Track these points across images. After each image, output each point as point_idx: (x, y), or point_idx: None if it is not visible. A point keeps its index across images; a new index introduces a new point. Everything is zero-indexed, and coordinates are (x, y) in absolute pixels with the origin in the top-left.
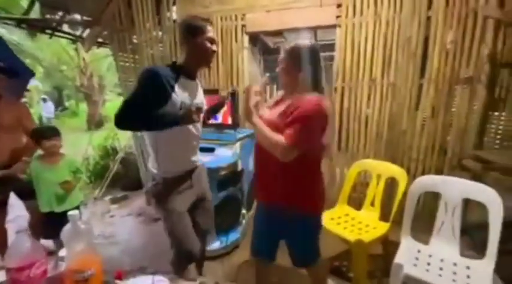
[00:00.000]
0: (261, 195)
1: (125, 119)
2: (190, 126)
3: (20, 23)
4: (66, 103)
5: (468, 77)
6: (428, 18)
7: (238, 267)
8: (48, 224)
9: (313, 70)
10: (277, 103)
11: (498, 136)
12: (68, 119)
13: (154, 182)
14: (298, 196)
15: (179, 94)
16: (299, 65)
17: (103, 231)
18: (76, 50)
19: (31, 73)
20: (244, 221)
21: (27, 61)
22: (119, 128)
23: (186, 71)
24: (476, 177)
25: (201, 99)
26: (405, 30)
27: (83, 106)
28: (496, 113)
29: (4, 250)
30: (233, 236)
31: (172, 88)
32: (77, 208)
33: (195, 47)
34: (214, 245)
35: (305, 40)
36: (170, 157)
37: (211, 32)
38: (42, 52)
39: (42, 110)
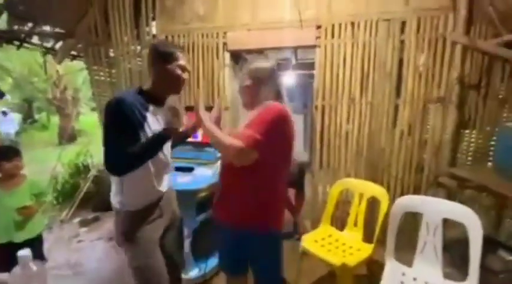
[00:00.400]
0: (220, 214)
1: (118, 165)
2: (159, 153)
3: None
4: (36, 116)
5: (440, 97)
6: (402, 42)
7: None
8: (6, 257)
9: (274, 86)
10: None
11: (470, 153)
12: (38, 132)
13: (119, 218)
14: (257, 214)
15: (151, 124)
16: (259, 83)
17: (68, 259)
18: (44, 62)
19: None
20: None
21: None
22: (119, 175)
23: (154, 98)
24: (452, 194)
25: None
26: (381, 53)
27: (54, 120)
28: (467, 131)
29: None
30: (212, 262)
31: (144, 118)
32: (39, 235)
33: (166, 74)
34: (192, 273)
35: (264, 61)
36: (137, 189)
37: (183, 59)
38: (12, 63)
39: (0, 125)
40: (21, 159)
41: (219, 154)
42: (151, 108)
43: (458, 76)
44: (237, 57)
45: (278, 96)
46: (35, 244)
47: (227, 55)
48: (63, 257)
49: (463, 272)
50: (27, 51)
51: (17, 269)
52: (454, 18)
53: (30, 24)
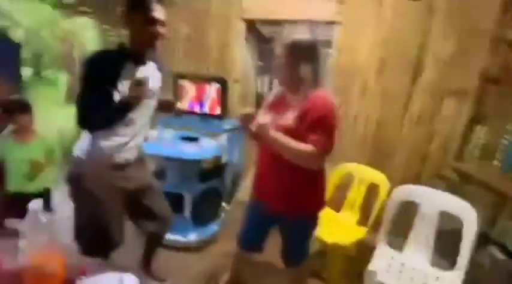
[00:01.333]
0: (261, 195)
1: (83, 121)
2: (144, 120)
3: None
4: (44, 72)
5: (458, 89)
6: (429, 27)
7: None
8: (16, 205)
9: (315, 65)
10: (278, 102)
11: (477, 149)
12: (44, 90)
13: (75, 165)
14: (298, 198)
15: (125, 84)
16: (300, 60)
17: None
18: (62, 16)
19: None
20: (223, 214)
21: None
22: (84, 129)
23: (132, 54)
24: (452, 188)
25: (153, 85)
26: (404, 36)
27: (63, 78)
28: (479, 126)
29: None
30: (211, 229)
31: (118, 76)
32: (48, 190)
33: (136, 28)
34: (191, 237)
35: (304, 34)
36: (105, 141)
37: (156, 11)
38: (20, 15)
39: None
40: (32, 113)
41: (225, 126)
42: (128, 65)
43: (482, 69)
44: (252, 27)
45: (318, 75)
46: (44, 196)
47: (241, 24)
48: (70, 210)
49: (451, 263)
50: (37, 4)
51: (27, 220)
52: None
53: None
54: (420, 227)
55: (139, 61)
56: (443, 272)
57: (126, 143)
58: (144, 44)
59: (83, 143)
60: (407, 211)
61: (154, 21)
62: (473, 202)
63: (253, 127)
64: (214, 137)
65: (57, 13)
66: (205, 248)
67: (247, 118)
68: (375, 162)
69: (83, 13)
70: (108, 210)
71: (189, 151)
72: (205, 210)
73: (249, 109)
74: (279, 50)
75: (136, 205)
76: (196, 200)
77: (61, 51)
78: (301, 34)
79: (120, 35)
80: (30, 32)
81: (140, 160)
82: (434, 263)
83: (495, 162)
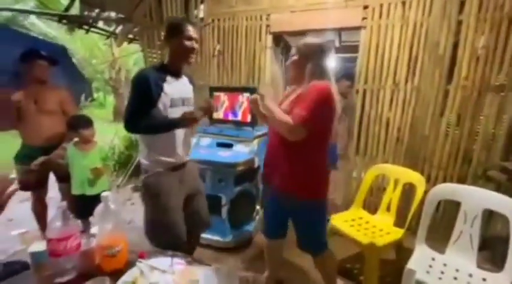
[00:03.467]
0: (269, 180)
1: (130, 124)
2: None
3: (61, 19)
4: (95, 95)
5: (499, 85)
6: (459, 23)
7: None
8: (79, 206)
9: (320, 63)
10: (287, 96)
11: None
12: (96, 110)
13: (145, 173)
14: (303, 182)
15: (168, 93)
16: (307, 58)
17: (124, 217)
18: (109, 45)
19: (86, 83)
20: (257, 216)
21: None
22: (128, 132)
23: (171, 70)
24: (501, 189)
25: (189, 94)
26: (433, 34)
27: (110, 99)
28: None
29: (43, 224)
30: (247, 230)
31: (161, 88)
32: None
33: (175, 46)
34: (228, 238)
35: (315, 38)
36: (157, 149)
37: (190, 30)
38: (76, 46)
39: None
40: (93, 127)
41: (256, 133)
42: (168, 78)
43: None
44: (278, 39)
45: (323, 73)
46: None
47: (269, 37)
48: (120, 215)
49: (500, 266)
50: (89, 36)
51: (100, 206)
52: None
53: (97, 10)
54: (463, 227)
55: (176, 75)
56: (490, 274)
57: (175, 149)
58: (181, 59)
59: (142, 151)
60: (448, 213)
61: (188, 39)
62: None
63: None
64: (246, 143)
65: (107, 42)
66: (241, 248)
67: (255, 101)
68: (411, 165)
69: (130, 39)
70: (175, 209)
71: (224, 156)
72: (241, 212)
73: (255, 95)
74: (292, 51)
75: (189, 207)
76: (232, 202)
77: (109, 76)
78: (312, 38)
79: (161, 56)
80: (83, 60)
81: (189, 164)
82: (480, 265)
83: None
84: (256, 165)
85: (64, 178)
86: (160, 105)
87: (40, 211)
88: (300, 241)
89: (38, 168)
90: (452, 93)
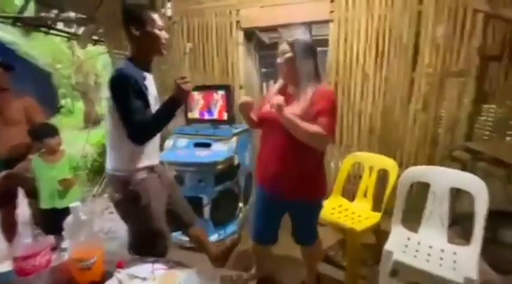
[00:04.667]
0: (265, 182)
1: (140, 132)
2: None
3: (15, 21)
4: (62, 102)
5: (459, 70)
6: (419, 13)
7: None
8: (50, 220)
9: (314, 61)
10: (281, 94)
11: (487, 128)
12: (64, 117)
13: (130, 186)
14: (306, 184)
15: (151, 92)
16: (302, 56)
17: (102, 227)
18: (70, 48)
19: (47, 74)
20: (241, 214)
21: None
22: (140, 143)
23: (143, 66)
24: (465, 168)
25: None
26: (397, 25)
27: (79, 105)
28: (486, 105)
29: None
30: (230, 229)
31: (145, 86)
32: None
33: (146, 38)
34: (212, 238)
35: (303, 35)
36: (143, 153)
37: (158, 19)
38: (37, 50)
39: None
40: (59, 136)
41: (234, 130)
42: (146, 75)
43: (479, 47)
44: (250, 35)
45: (317, 71)
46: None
47: (240, 33)
48: (97, 225)
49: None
50: (50, 39)
51: (69, 218)
52: None
53: (55, 11)
54: (433, 206)
55: (147, 70)
56: (459, 247)
57: (156, 147)
58: (152, 51)
59: (114, 161)
60: (420, 194)
61: (160, 28)
62: (488, 179)
63: (264, 109)
64: (224, 141)
65: (69, 44)
66: None
67: (246, 106)
68: (385, 152)
69: (95, 41)
70: (159, 214)
71: (203, 155)
72: (223, 211)
73: (246, 98)
74: (283, 47)
75: (172, 204)
76: (214, 202)
77: (76, 81)
78: (301, 35)
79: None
80: (47, 66)
81: (162, 165)
82: (451, 240)
83: (508, 139)
84: (236, 162)
85: (32, 193)
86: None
87: (9, 228)
88: (299, 237)
89: (0, 182)
90: (417, 80)
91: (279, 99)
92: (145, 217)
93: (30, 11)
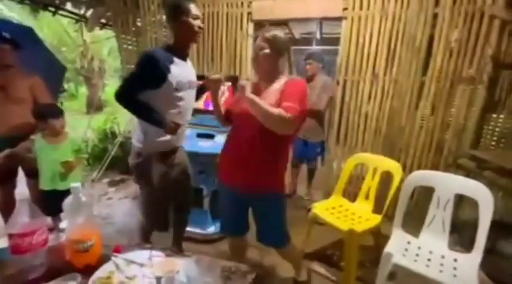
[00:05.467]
0: (229, 177)
1: (122, 96)
2: (180, 109)
3: None
4: (65, 86)
5: (470, 77)
6: (435, 16)
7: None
8: (50, 202)
9: (288, 57)
10: (254, 92)
11: (495, 138)
12: (67, 101)
13: (134, 154)
14: (268, 178)
15: (174, 75)
16: (280, 53)
17: (100, 212)
18: (77, 31)
19: (63, 68)
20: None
21: None
22: (118, 103)
23: (177, 52)
24: (470, 176)
25: (194, 78)
26: (411, 27)
27: (82, 90)
28: (494, 115)
29: None
30: None
31: (168, 70)
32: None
33: (182, 26)
34: (210, 230)
35: (281, 31)
36: (157, 132)
37: (194, 9)
38: (43, 32)
39: None
40: (64, 117)
41: None
42: (175, 60)
43: (493, 54)
44: (261, 27)
45: (291, 68)
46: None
47: (251, 25)
48: (95, 210)
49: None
50: (57, 21)
51: (69, 198)
52: None
53: None
54: (436, 212)
55: (183, 57)
56: (460, 254)
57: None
58: (188, 39)
59: (138, 134)
60: (423, 198)
61: (194, 18)
62: (493, 189)
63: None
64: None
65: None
66: (223, 240)
67: (215, 82)
68: (389, 154)
69: (102, 24)
70: (163, 192)
71: (205, 146)
72: None
73: (217, 75)
74: (259, 42)
75: (177, 191)
76: (214, 193)
77: (81, 65)
78: (278, 31)
79: (137, 43)
80: (52, 48)
81: (180, 150)
82: (451, 247)
83: None
84: None
85: (32, 173)
86: (165, 87)
87: (7, 207)
88: (262, 237)
89: (2, 161)
90: (427, 84)
91: (244, 82)
92: (147, 188)
93: None
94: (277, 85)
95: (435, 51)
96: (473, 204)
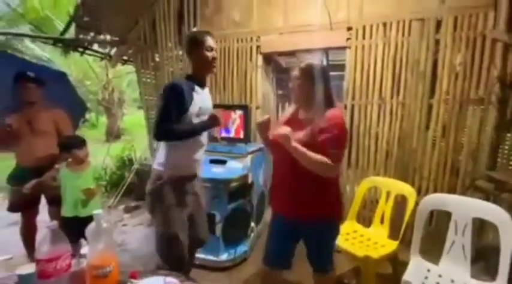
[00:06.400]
0: (280, 207)
1: (160, 133)
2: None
3: (56, 42)
4: (87, 116)
5: (479, 98)
6: (437, 41)
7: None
8: (72, 228)
9: (326, 85)
10: (293, 119)
11: (511, 157)
12: (88, 130)
13: (154, 179)
14: (320, 208)
15: (196, 102)
16: (313, 81)
17: (116, 238)
18: (102, 67)
19: (84, 107)
20: (253, 234)
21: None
22: (159, 140)
23: (196, 81)
24: (489, 198)
25: (210, 104)
26: (414, 53)
27: (102, 119)
28: (509, 134)
29: (32, 247)
30: (241, 248)
31: (192, 98)
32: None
33: (198, 57)
34: (222, 257)
35: (317, 60)
36: (179, 155)
37: (209, 41)
38: (70, 68)
39: None
40: (87, 147)
41: (249, 149)
42: (196, 88)
43: (499, 76)
44: (269, 59)
45: (328, 94)
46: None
47: (260, 57)
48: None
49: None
50: (83, 58)
51: (92, 225)
52: (495, 16)
53: (92, 34)
54: (454, 237)
55: (202, 85)
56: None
57: (194, 157)
58: (204, 69)
59: (159, 158)
60: (441, 223)
61: (209, 49)
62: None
63: (273, 136)
64: (240, 159)
65: (101, 64)
66: (236, 268)
67: (264, 125)
68: (403, 176)
69: (124, 61)
70: (180, 219)
71: (218, 172)
72: (235, 230)
73: (265, 117)
74: (295, 72)
75: (191, 221)
76: (226, 220)
77: (102, 97)
78: (314, 59)
79: (156, 77)
80: (77, 82)
81: (198, 178)
82: (476, 276)
83: None
84: (250, 180)
85: (54, 201)
86: (189, 114)
87: (29, 234)
88: (316, 263)
89: (30, 191)
90: (435, 106)
91: (285, 129)
92: (164, 216)
93: (70, 33)
94: (312, 115)
95: (440, 75)
96: (496, 228)
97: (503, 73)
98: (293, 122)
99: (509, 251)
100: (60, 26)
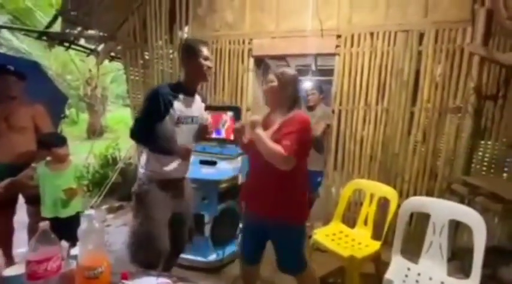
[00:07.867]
0: (250, 205)
1: (135, 133)
2: (188, 140)
3: (41, 35)
4: (67, 112)
5: (456, 107)
6: (420, 52)
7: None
8: (52, 229)
9: (294, 92)
10: (264, 120)
11: (485, 163)
12: (68, 127)
13: (140, 182)
14: (286, 207)
15: (177, 110)
16: (286, 87)
17: None
18: (98, 63)
19: (65, 100)
20: (240, 235)
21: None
22: (134, 141)
23: (185, 88)
24: (464, 202)
25: (199, 112)
26: (398, 62)
27: (83, 116)
28: (483, 142)
29: (8, 248)
30: (230, 249)
31: (171, 105)
32: (78, 214)
33: (193, 66)
34: (211, 257)
35: (290, 68)
36: (161, 159)
37: (205, 51)
38: (49, 61)
39: None
40: (68, 145)
41: (239, 150)
42: (180, 96)
43: (475, 87)
44: (260, 62)
45: (297, 101)
46: (74, 221)
47: (251, 60)
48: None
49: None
50: (62, 50)
51: (83, 225)
52: (472, 31)
53: (79, 28)
54: (432, 238)
55: (190, 93)
56: (459, 281)
57: (177, 161)
58: (198, 78)
59: (143, 160)
60: (421, 224)
61: (205, 58)
62: (488, 215)
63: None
64: (230, 160)
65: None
66: (224, 268)
67: (242, 130)
68: (386, 179)
69: (112, 57)
70: (162, 222)
71: (208, 173)
72: (224, 230)
73: (239, 124)
74: (270, 77)
75: (173, 224)
76: (215, 220)
77: (84, 92)
78: (286, 67)
79: (144, 74)
80: (56, 76)
81: (186, 182)
82: (450, 273)
83: (505, 175)
84: (240, 182)
85: (33, 200)
86: (167, 121)
87: (5, 234)
88: (282, 265)
89: (3, 191)
90: (417, 114)
91: (255, 117)
92: (142, 217)
93: (56, 27)
94: (282, 117)
95: (422, 84)
96: (470, 229)
97: (478, 85)
98: (265, 123)
99: (482, 251)
100: (42, 18)
